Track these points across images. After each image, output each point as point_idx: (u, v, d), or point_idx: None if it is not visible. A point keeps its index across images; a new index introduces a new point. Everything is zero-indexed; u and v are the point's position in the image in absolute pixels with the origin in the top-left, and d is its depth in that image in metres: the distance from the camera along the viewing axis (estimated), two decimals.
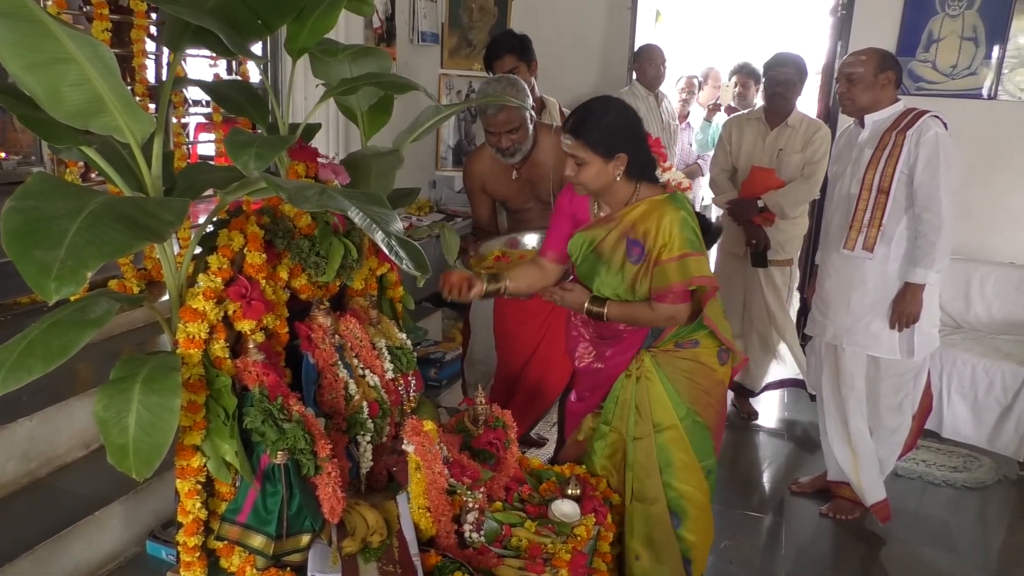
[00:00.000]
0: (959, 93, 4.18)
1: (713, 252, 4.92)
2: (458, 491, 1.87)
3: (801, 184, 3.62)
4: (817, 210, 4.00)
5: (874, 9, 4.27)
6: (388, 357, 2.12)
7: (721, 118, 5.10)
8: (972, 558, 3.00)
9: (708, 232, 2.17)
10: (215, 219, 1.76)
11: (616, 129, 2.04)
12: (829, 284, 3.02)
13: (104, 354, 2.35)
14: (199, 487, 1.64)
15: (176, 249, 1.83)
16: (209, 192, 1.87)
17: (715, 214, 4.96)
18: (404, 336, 2.24)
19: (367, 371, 2.04)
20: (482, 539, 1.83)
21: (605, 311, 2.16)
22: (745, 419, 4.10)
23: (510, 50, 3.36)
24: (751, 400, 4.16)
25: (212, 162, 3.37)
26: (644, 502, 2.20)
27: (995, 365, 3.66)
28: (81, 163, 2.43)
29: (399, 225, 1.50)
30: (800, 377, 3.99)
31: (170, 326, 1.67)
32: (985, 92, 4.15)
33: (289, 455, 1.65)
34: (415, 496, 1.81)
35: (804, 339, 3.72)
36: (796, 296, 4.14)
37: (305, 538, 1.72)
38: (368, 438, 1.96)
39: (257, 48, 2.56)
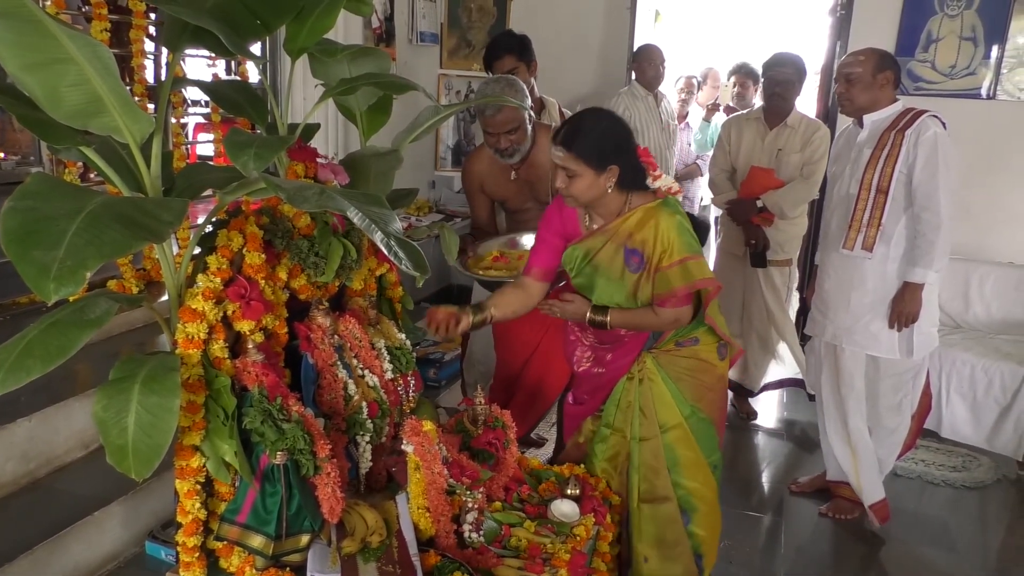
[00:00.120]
0: (958, 93, 4.18)
1: (712, 252, 4.94)
2: (457, 491, 1.87)
3: (800, 184, 3.63)
4: (816, 210, 4.00)
5: (873, 9, 4.27)
6: (387, 357, 2.12)
7: (720, 118, 5.10)
8: (971, 558, 3.00)
9: (698, 229, 2.17)
10: (214, 219, 1.76)
11: (608, 141, 2.03)
12: (828, 284, 3.02)
13: (103, 354, 2.35)
14: (198, 487, 1.64)
15: (175, 249, 1.83)
16: (208, 192, 1.87)
17: (714, 214, 4.96)
18: (403, 336, 2.24)
19: (366, 371, 2.04)
20: (481, 539, 1.83)
21: (608, 320, 2.16)
22: (744, 419, 4.10)
23: (509, 50, 3.36)
24: (750, 400, 4.16)
25: (211, 162, 3.37)
26: (653, 503, 2.20)
27: (994, 365, 3.66)
28: (80, 163, 2.43)
29: (398, 225, 1.50)
30: (799, 377, 3.99)
31: (169, 326, 1.67)
32: (984, 92, 4.15)
33: (288, 455, 1.65)
34: (414, 496, 1.81)
35: (804, 339, 3.72)
36: (796, 296, 4.14)
37: (304, 538, 1.72)
38: (367, 438, 1.96)
39: (256, 48, 2.56)
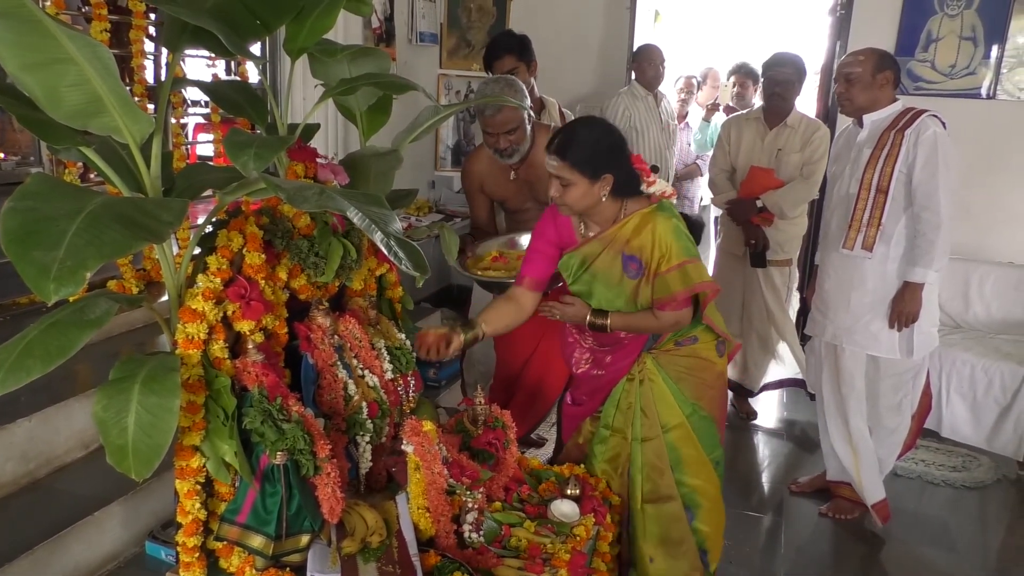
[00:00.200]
0: (958, 93, 4.18)
1: (712, 252, 4.95)
2: (457, 491, 1.87)
3: (800, 184, 3.63)
4: (816, 210, 4.00)
5: (873, 9, 4.27)
6: (387, 357, 2.12)
7: (720, 118, 5.09)
8: (971, 558, 3.00)
9: (692, 228, 2.18)
10: (214, 219, 1.76)
11: (602, 150, 2.04)
12: (828, 284, 3.02)
13: (103, 355, 2.35)
14: (198, 487, 1.64)
15: (175, 250, 1.83)
16: (208, 192, 1.87)
17: (714, 214, 4.96)
18: (403, 336, 2.24)
19: (366, 371, 2.04)
20: (481, 539, 1.84)
21: (608, 323, 2.16)
22: (744, 419, 4.10)
23: (509, 50, 3.36)
24: (750, 400, 4.16)
25: (211, 162, 3.37)
26: (657, 502, 2.20)
27: (994, 365, 3.66)
28: (80, 164, 2.43)
29: (398, 225, 1.50)
30: (800, 377, 3.99)
31: (169, 327, 1.67)
32: (984, 92, 4.15)
33: (288, 455, 1.65)
34: (414, 496, 1.81)
35: (804, 339, 3.72)
36: (796, 296, 4.14)
37: (304, 538, 1.72)
38: (367, 438, 1.96)
39: (256, 48, 2.56)
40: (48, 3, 2.37)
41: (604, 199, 2.06)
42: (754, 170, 3.72)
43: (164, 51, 2.93)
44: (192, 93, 4.56)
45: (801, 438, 3.96)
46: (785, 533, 3.10)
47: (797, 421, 4.15)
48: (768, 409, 4.26)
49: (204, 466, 1.64)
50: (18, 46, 1.27)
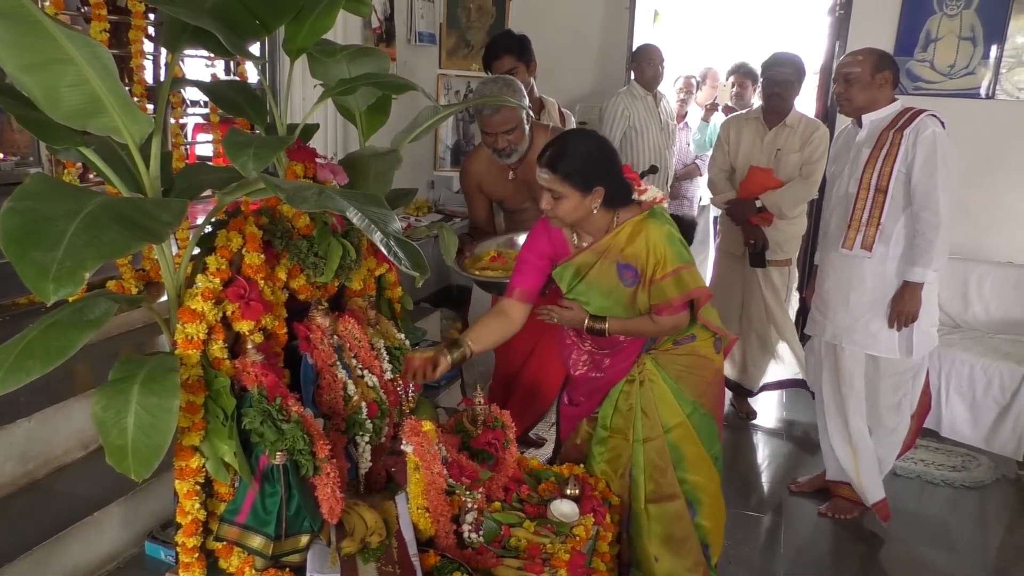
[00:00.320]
0: (957, 93, 4.19)
1: (711, 252, 4.95)
2: (457, 491, 1.87)
3: (799, 184, 3.63)
4: (815, 210, 4.00)
5: (872, 9, 4.27)
6: (387, 357, 2.12)
7: (719, 118, 5.09)
8: (971, 557, 3.00)
9: (685, 228, 2.18)
10: (213, 220, 1.76)
11: (593, 162, 2.04)
12: (828, 284, 3.02)
13: (103, 355, 2.34)
14: (198, 488, 1.64)
15: (174, 250, 1.83)
16: (207, 193, 1.87)
17: (713, 214, 4.96)
18: (403, 336, 2.24)
19: (366, 371, 2.04)
20: (481, 539, 1.84)
21: (607, 327, 2.16)
22: (743, 419, 4.10)
23: (509, 50, 3.36)
24: (749, 400, 4.16)
25: (210, 163, 3.37)
26: (660, 502, 2.21)
27: (993, 364, 3.66)
28: (79, 164, 2.43)
29: (397, 225, 1.50)
30: (800, 376, 3.99)
31: (168, 327, 1.67)
32: (983, 92, 4.15)
33: (288, 456, 1.65)
34: (414, 496, 1.81)
35: (803, 339, 3.72)
36: (795, 296, 4.14)
37: (304, 539, 1.72)
38: (367, 438, 1.96)
39: (255, 48, 2.56)
40: (47, 3, 2.37)
41: (596, 211, 2.07)
42: (753, 170, 3.72)
43: (163, 51, 2.92)
44: (191, 93, 4.55)
45: (800, 438, 3.96)
46: (785, 533, 3.10)
47: (796, 421, 4.15)
48: (767, 409, 4.26)
49: (203, 466, 1.64)
50: (17, 46, 1.27)
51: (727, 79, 5.16)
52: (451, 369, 2.16)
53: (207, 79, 2.76)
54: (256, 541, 1.67)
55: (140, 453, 1.36)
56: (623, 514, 2.25)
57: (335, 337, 1.98)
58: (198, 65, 3.83)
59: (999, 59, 4.09)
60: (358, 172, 2.07)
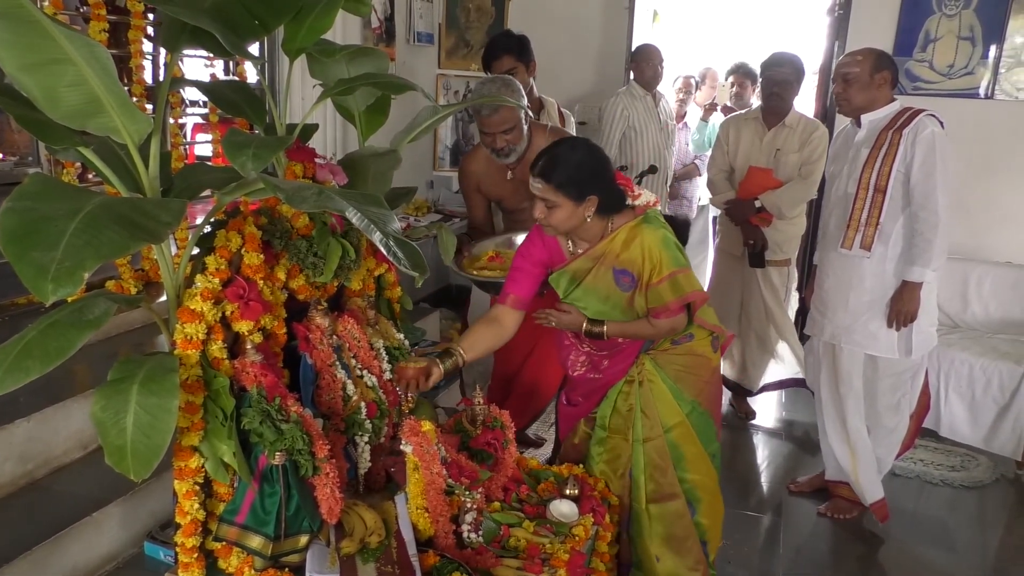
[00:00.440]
0: (956, 93, 4.19)
1: (710, 252, 4.94)
2: (456, 491, 1.87)
3: (798, 184, 3.63)
4: (815, 210, 4.00)
5: (871, 9, 4.28)
6: (386, 358, 2.12)
7: (718, 118, 5.10)
8: (970, 557, 3.00)
9: (678, 228, 2.18)
10: (212, 220, 1.76)
11: (585, 171, 2.04)
12: (827, 283, 3.02)
13: (102, 355, 2.34)
14: (197, 488, 1.64)
15: (173, 250, 1.83)
16: (207, 193, 1.87)
17: (712, 214, 4.96)
18: (402, 336, 2.24)
19: (365, 372, 2.04)
20: (480, 539, 1.84)
21: (605, 330, 2.17)
22: (743, 419, 4.10)
23: (508, 50, 3.36)
24: (749, 400, 4.16)
25: (209, 163, 3.37)
26: (661, 501, 2.21)
27: (992, 364, 3.66)
28: (78, 164, 2.43)
29: (397, 225, 1.50)
30: (800, 376, 3.99)
31: (168, 327, 1.67)
32: (982, 92, 4.16)
33: (287, 456, 1.65)
34: (413, 496, 1.81)
35: (803, 339, 3.72)
36: (795, 296, 4.14)
37: (303, 539, 1.72)
38: (366, 439, 1.96)
39: (254, 48, 2.55)
40: (46, 3, 2.36)
41: (589, 219, 2.07)
42: (752, 170, 3.72)
43: (162, 51, 2.92)
44: (190, 93, 4.55)
45: (800, 438, 3.96)
46: (784, 533, 3.10)
47: (796, 421, 4.15)
48: (767, 409, 4.26)
49: (203, 466, 1.64)
50: (16, 46, 1.27)
51: (726, 79, 5.16)
52: (444, 379, 2.15)
53: (206, 79, 2.76)
54: (255, 541, 1.67)
55: (139, 453, 1.36)
56: (622, 514, 2.26)
57: (334, 337, 1.98)
58: (197, 65, 3.83)
59: (998, 59, 4.09)
60: (357, 172, 2.07)
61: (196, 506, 1.64)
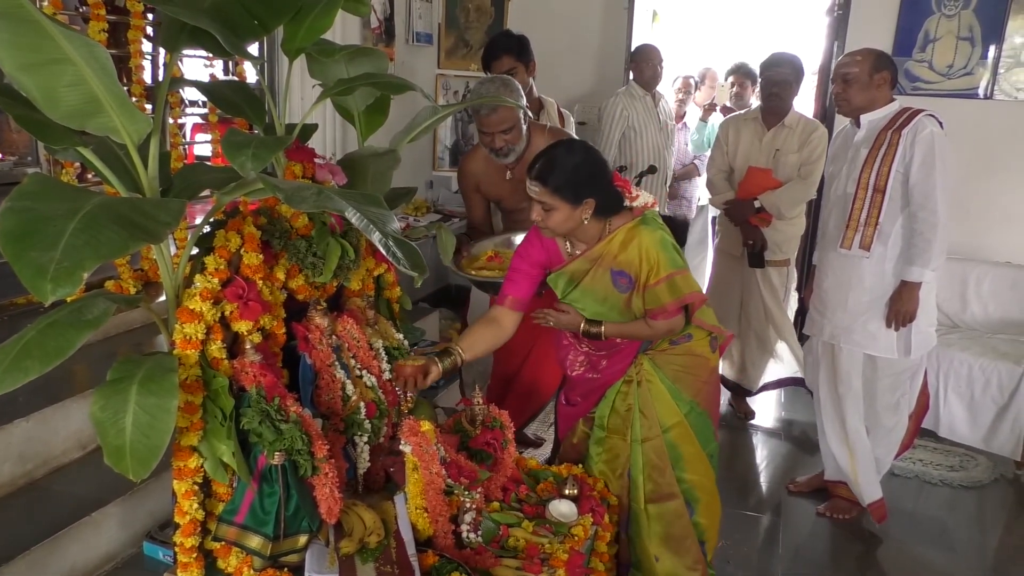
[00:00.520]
0: (955, 93, 4.19)
1: (710, 253, 4.94)
2: (455, 491, 1.87)
3: (798, 184, 3.63)
4: (814, 210, 4.00)
5: (870, 9, 4.28)
6: (385, 358, 2.12)
7: (717, 118, 5.10)
8: (969, 557, 3.01)
9: (676, 229, 2.19)
10: (212, 220, 1.76)
11: (583, 174, 2.05)
12: (826, 283, 3.02)
13: (101, 355, 2.34)
14: (196, 488, 1.64)
15: (173, 250, 1.83)
16: (206, 193, 1.87)
17: (712, 214, 4.96)
18: (401, 336, 2.24)
19: (364, 372, 2.04)
20: (479, 539, 1.84)
21: (602, 331, 2.17)
22: (742, 419, 4.10)
23: (508, 50, 3.36)
24: (748, 400, 4.16)
25: (209, 163, 3.36)
26: (659, 501, 2.22)
27: (991, 364, 3.66)
28: (77, 164, 2.43)
29: (396, 225, 1.50)
30: (799, 375, 3.99)
31: (167, 327, 1.67)
32: (981, 92, 4.16)
33: (286, 456, 1.65)
34: (412, 496, 1.81)
35: (802, 339, 3.72)
36: (794, 296, 4.14)
37: (302, 539, 1.72)
38: (365, 439, 1.96)
39: (254, 48, 2.55)
40: (45, 3, 2.36)
41: (587, 221, 2.08)
42: (752, 170, 3.72)
43: (162, 51, 2.92)
44: (190, 93, 4.55)
45: (799, 438, 3.96)
46: (783, 533, 3.10)
47: (795, 421, 4.15)
48: (766, 409, 4.26)
49: (202, 466, 1.64)
50: (15, 46, 1.27)
51: (727, 79, 5.16)
52: (442, 378, 2.16)
53: (206, 79, 2.76)
54: (254, 541, 1.67)
55: (138, 453, 1.36)
56: (621, 514, 2.26)
57: (334, 337, 1.98)
58: (197, 65, 3.83)
59: (997, 59, 4.09)
60: (357, 172, 2.07)
61: (195, 506, 1.64)
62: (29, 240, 1.14)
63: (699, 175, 5.16)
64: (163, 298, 1.71)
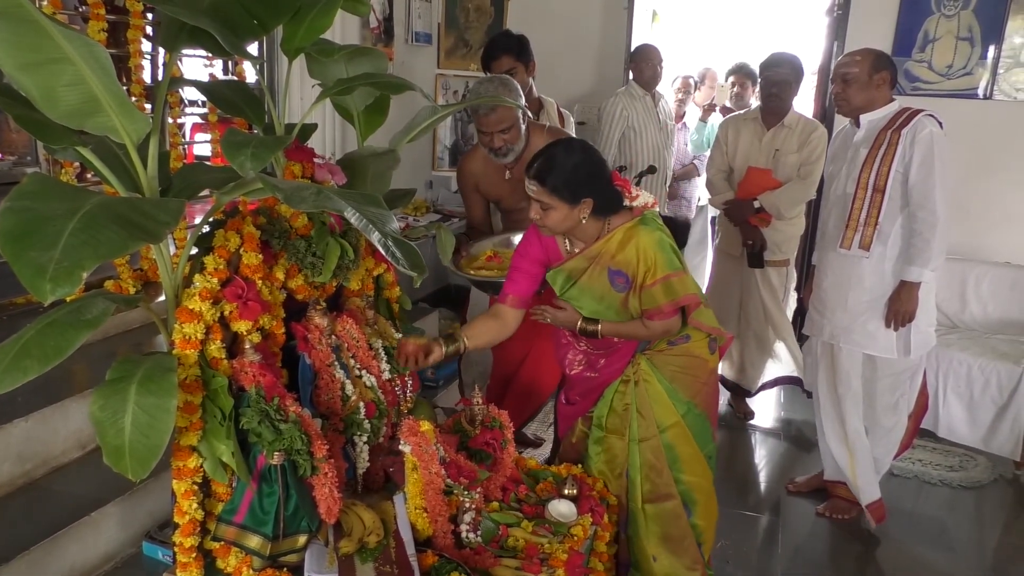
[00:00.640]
0: (955, 93, 4.19)
1: (709, 253, 4.94)
2: (455, 491, 1.87)
3: (797, 184, 3.63)
4: (813, 210, 4.00)
5: (870, 9, 4.28)
6: (385, 357, 2.12)
7: (717, 118, 5.10)
8: (968, 557, 3.01)
9: (677, 231, 2.18)
10: (211, 220, 1.76)
11: (581, 174, 2.05)
12: (826, 283, 3.02)
13: (100, 355, 2.34)
14: (195, 488, 1.64)
15: (172, 250, 1.83)
16: (205, 192, 1.87)
17: (711, 215, 4.96)
18: (401, 336, 2.24)
19: (364, 371, 2.04)
20: (479, 539, 1.84)
21: (599, 329, 2.17)
22: (741, 419, 4.10)
23: (507, 50, 3.36)
24: (747, 400, 4.17)
25: (208, 162, 3.36)
26: (657, 501, 2.22)
27: (991, 365, 3.67)
28: (77, 164, 2.42)
29: (395, 225, 1.50)
30: (796, 374, 3.99)
31: (166, 327, 1.67)
32: (981, 92, 4.16)
33: (286, 455, 1.65)
34: (412, 496, 1.81)
35: (801, 339, 3.72)
36: (793, 296, 4.14)
37: (302, 539, 1.72)
38: (365, 438, 1.96)
39: (253, 48, 2.55)
40: (45, 2, 2.36)
41: (585, 220, 2.08)
42: (751, 171, 3.72)
43: (161, 51, 2.92)
44: (189, 93, 4.55)
45: (798, 438, 3.96)
46: (782, 533, 3.10)
47: (794, 421, 4.15)
48: (765, 409, 4.27)
49: (201, 466, 1.64)
50: (15, 46, 1.27)
51: (727, 79, 5.16)
52: (443, 360, 2.17)
53: (205, 79, 2.76)
54: (254, 541, 1.67)
55: (137, 453, 1.36)
56: (621, 514, 2.26)
57: (333, 337, 1.98)
58: (196, 65, 3.82)
59: (997, 59, 4.09)
60: (356, 172, 2.07)
61: (194, 506, 1.64)
62: (28, 240, 1.14)
63: (699, 175, 5.16)
64: (162, 298, 1.71)
